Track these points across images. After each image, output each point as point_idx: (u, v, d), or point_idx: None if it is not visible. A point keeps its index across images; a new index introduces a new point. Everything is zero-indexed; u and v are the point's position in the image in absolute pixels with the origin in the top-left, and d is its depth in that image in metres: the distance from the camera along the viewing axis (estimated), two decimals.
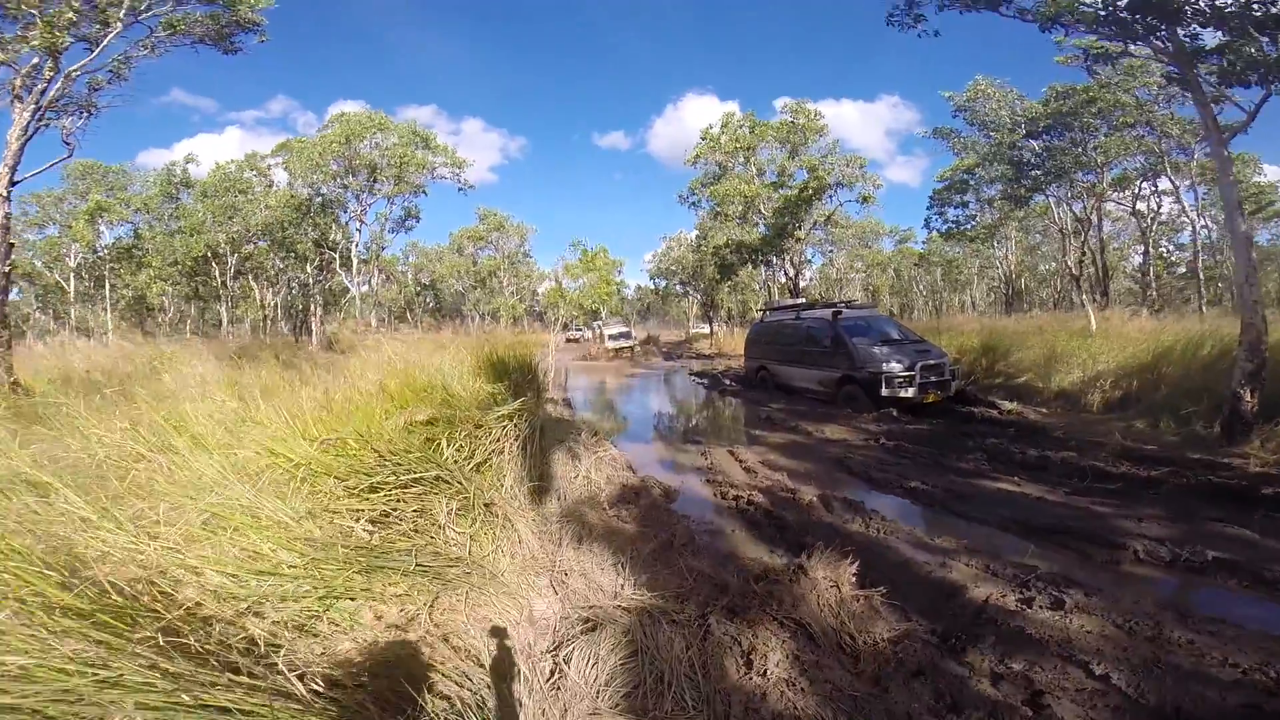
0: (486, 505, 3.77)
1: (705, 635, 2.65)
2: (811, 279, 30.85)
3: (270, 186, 29.60)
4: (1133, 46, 7.30)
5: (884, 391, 9.65)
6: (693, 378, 18.38)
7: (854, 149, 23.09)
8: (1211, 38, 6.83)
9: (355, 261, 27.98)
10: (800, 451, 7.56)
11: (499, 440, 4.61)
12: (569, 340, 43.52)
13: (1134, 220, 23.90)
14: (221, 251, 29.53)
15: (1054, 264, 31.10)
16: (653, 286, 52.58)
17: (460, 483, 3.67)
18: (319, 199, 27.46)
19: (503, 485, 4.46)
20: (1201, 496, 5.06)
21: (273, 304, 34.18)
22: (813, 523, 4.67)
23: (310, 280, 32.02)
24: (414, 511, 3.33)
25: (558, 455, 5.55)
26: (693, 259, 35.32)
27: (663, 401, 14.47)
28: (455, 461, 3.99)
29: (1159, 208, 22.90)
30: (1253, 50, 6.06)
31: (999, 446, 6.99)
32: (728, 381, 16.12)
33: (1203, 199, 20.14)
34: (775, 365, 13.16)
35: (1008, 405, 9.56)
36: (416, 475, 3.49)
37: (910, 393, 9.59)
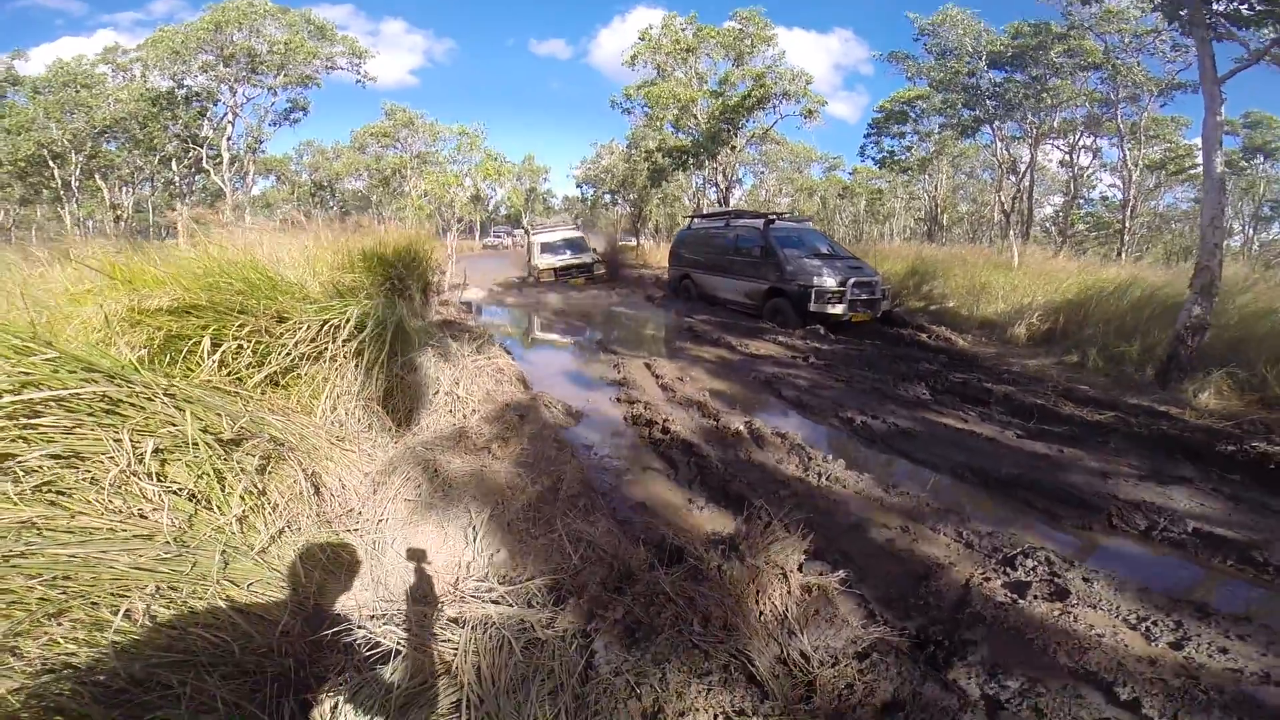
0: (273, 441, 2.49)
1: (585, 676, 1.59)
2: (741, 198, 29.67)
3: (131, 81, 24.86)
4: None
5: (812, 306, 9.00)
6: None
7: (803, 68, 21.62)
8: None
9: (226, 156, 24.16)
10: (724, 370, 6.66)
11: (316, 343, 3.25)
12: (486, 247, 40.69)
13: (1062, 170, 24.12)
14: (60, 150, 24.88)
15: (972, 205, 31.64)
16: (579, 195, 49.78)
17: (183, 404, 2.23)
18: (182, 91, 23.42)
19: (315, 408, 3.17)
20: (1157, 449, 4.52)
21: (126, 205, 29.57)
22: (741, 462, 3.71)
23: (178, 179, 27.80)
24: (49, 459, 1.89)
25: (424, 365, 4.22)
26: (623, 167, 33.22)
27: (573, 307, 13.12)
28: (213, 371, 2.65)
29: (1092, 158, 23.25)
30: None
31: (937, 375, 6.37)
32: (649, 291, 15.18)
33: (1137, 160, 20.35)
34: (700, 275, 12.25)
35: (937, 330, 9.16)
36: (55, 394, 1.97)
37: (840, 309, 9.00)
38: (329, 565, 2.22)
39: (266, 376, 3.07)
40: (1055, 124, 20.29)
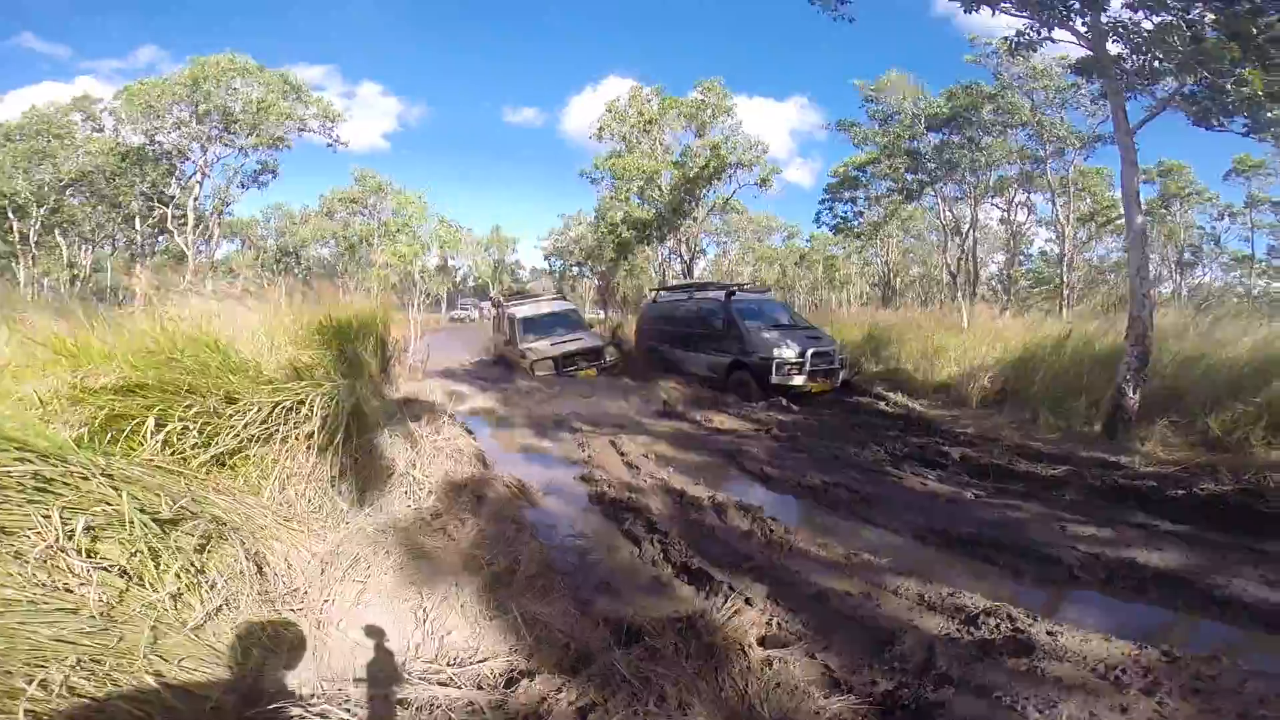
0: (214, 521, 2.38)
1: None
2: (705, 269, 30.45)
3: (100, 132, 24.57)
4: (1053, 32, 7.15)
5: (774, 379, 9.07)
6: None
7: (758, 137, 22.75)
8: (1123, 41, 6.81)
9: (191, 218, 23.74)
10: (688, 443, 6.68)
11: (267, 425, 3.18)
12: (453, 320, 40.22)
13: (1002, 227, 25.56)
14: (22, 201, 24.20)
15: (922, 267, 33.07)
16: (547, 267, 50.35)
17: (120, 484, 2.20)
18: (153, 148, 22.99)
19: (263, 488, 3.06)
20: (1111, 499, 4.63)
21: (85, 265, 28.74)
22: (704, 537, 3.67)
23: (140, 239, 27.16)
24: None
25: (380, 447, 4.13)
26: (591, 238, 33.89)
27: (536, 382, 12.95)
28: (156, 451, 2.56)
29: (1028, 215, 24.70)
30: (1172, 40, 5.90)
31: (895, 440, 6.49)
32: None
33: (1067, 214, 21.65)
34: (667, 349, 12.19)
35: (894, 397, 9.34)
36: None
37: (800, 380, 9.11)
38: (269, 644, 2.13)
39: (213, 457, 2.97)
40: (991, 182, 21.46)
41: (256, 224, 44.06)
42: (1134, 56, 6.69)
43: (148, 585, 2.03)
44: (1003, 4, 7.01)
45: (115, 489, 2.15)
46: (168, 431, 2.85)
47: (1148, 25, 6.33)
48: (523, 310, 12.97)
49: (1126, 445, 6.18)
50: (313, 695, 1.87)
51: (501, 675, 1.92)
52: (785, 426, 7.48)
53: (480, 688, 1.87)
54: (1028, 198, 23.49)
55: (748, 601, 2.29)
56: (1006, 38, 7.50)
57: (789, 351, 9.22)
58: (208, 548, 2.26)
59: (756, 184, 21.32)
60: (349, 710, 1.75)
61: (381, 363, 7.73)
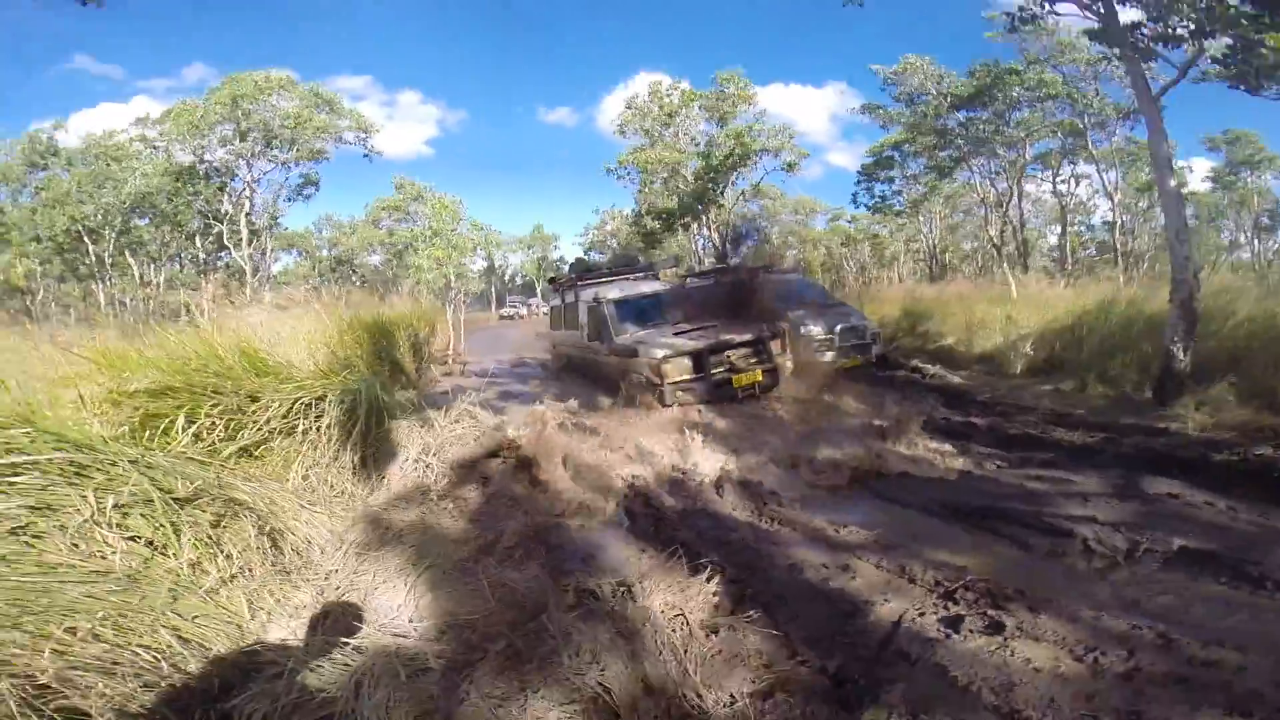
0: (230, 501, 2.63)
1: (459, 699, 1.69)
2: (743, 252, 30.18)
3: (154, 150, 26.13)
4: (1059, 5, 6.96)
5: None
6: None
7: (786, 123, 22.43)
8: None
9: (245, 233, 25.08)
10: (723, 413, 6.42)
11: (288, 419, 3.46)
12: (503, 318, 40.77)
13: (1054, 200, 24.54)
14: (95, 225, 26.02)
15: (975, 242, 31.85)
16: (588, 262, 50.82)
17: (144, 469, 2.51)
18: (203, 166, 24.22)
19: (288, 475, 3.33)
20: (1148, 466, 4.30)
21: (156, 282, 30.71)
22: (695, 510, 3.72)
23: (203, 256, 28.83)
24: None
25: (398, 435, 4.36)
26: (627, 231, 34.13)
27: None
28: (188, 445, 2.86)
29: (1076, 187, 23.80)
30: (1184, 5, 5.59)
31: (924, 413, 6.28)
32: None
33: (1116, 183, 20.71)
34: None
35: (932, 369, 9.17)
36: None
37: (830, 356, 8.89)
38: (275, 606, 2.42)
39: (240, 448, 3.27)
40: (1029, 156, 20.81)
41: (310, 235, 45.61)
42: (1150, 23, 6.36)
43: (170, 555, 2.32)
44: None
45: (141, 474, 2.43)
46: (198, 426, 3.15)
47: None
48: (607, 292, 8.73)
49: (1177, 411, 5.86)
50: (295, 645, 2.12)
51: (455, 630, 2.13)
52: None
53: (428, 640, 2.11)
54: (1073, 170, 22.81)
55: (695, 570, 2.36)
56: (1009, 13, 7.24)
57: (816, 329, 9.06)
58: (222, 523, 2.55)
59: (783, 169, 21.00)
60: (311, 654, 2.00)
61: (416, 360, 8.11)
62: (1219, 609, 2.47)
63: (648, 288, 9.43)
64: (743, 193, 22.32)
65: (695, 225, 22.67)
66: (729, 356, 6.88)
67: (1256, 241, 27.76)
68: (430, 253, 23.11)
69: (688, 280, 13.75)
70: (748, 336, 7.18)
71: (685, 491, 4.06)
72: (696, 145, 22.67)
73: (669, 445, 4.95)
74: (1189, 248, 6.45)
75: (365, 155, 25.03)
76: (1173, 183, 6.58)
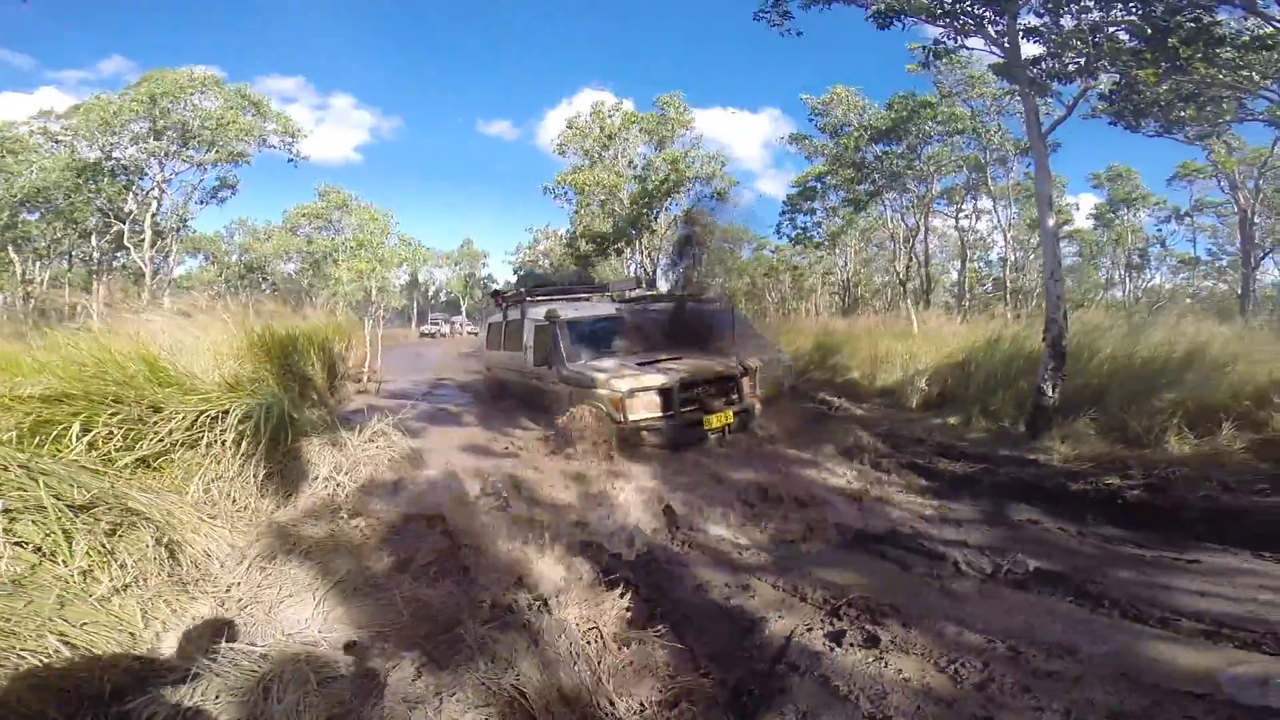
0: (126, 510, 2.55)
1: (373, 702, 1.74)
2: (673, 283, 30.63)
3: (56, 145, 23.94)
4: (969, 40, 7.37)
5: None
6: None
7: (720, 149, 23.15)
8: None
9: (149, 234, 23.30)
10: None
11: (191, 432, 3.36)
12: (423, 335, 39.45)
13: (956, 235, 26.14)
14: None
15: (887, 276, 33.79)
16: (540, 275, 50.10)
17: (36, 475, 2.43)
18: (110, 163, 22.49)
19: (188, 487, 3.23)
20: (1016, 495, 4.86)
21: (40, 280, 27.97)
22: (612, 532, 3.88)
23: (97, 256, 26.53)
24: None
25: (307, 452, 4.27)
26: (560, 252, 34.00)
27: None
28: (82, 453, 2.75)
29: (977, 222, 25.35)
30: (1078, 43, 6.11)
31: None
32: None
33: (1012, 221, 22.26)
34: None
35: (837, 402, 9.58)
36: None
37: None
38: (171, 617, 2.39)
39: (138, 459, 3.16)
40: (936, 191, 21.87)
41: (220, 239, 42.84)
42: (1048, 60, 6.84)
43: (59, 562, 2.27)
44: (912, 18, 7.10)
45: (33, 479, 2.35)
46: (93, 435, 3.03)
47: (1067, 25, 6.48)
48: (568, 311, 7.61)
49: (1046, 444, 6.42)
50: (196, 652, 2.09)
51: (369, 639, 2.17)
52: None
53: (339, 649, 2.16)
54: (975, 205, 24.07)
55: (610, 585, 2.52)
56: (924, 47, 7.67)
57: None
58: (118, 533, 2.49)
59: (713, 197, 21.65)
60: (215, 661, 1.99)
61: (329, 377, 7.85)
62: (1062, 625, 2.85)
63: (605, 309, 8.39)
64: (674, 219, 22.88)
65: (629, 250, 22.89)
66: (698, 393, 6.18)
67: (1128, 280, 29.87)
68: (353, 264, 22.19)
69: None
70: (720, 371, 6.50)
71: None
72: (634, 169, 22.90)
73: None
74: (1061, 287, 7.05)
75: (290, 160, 23.88)
76: (1051, 222, 7.05)
